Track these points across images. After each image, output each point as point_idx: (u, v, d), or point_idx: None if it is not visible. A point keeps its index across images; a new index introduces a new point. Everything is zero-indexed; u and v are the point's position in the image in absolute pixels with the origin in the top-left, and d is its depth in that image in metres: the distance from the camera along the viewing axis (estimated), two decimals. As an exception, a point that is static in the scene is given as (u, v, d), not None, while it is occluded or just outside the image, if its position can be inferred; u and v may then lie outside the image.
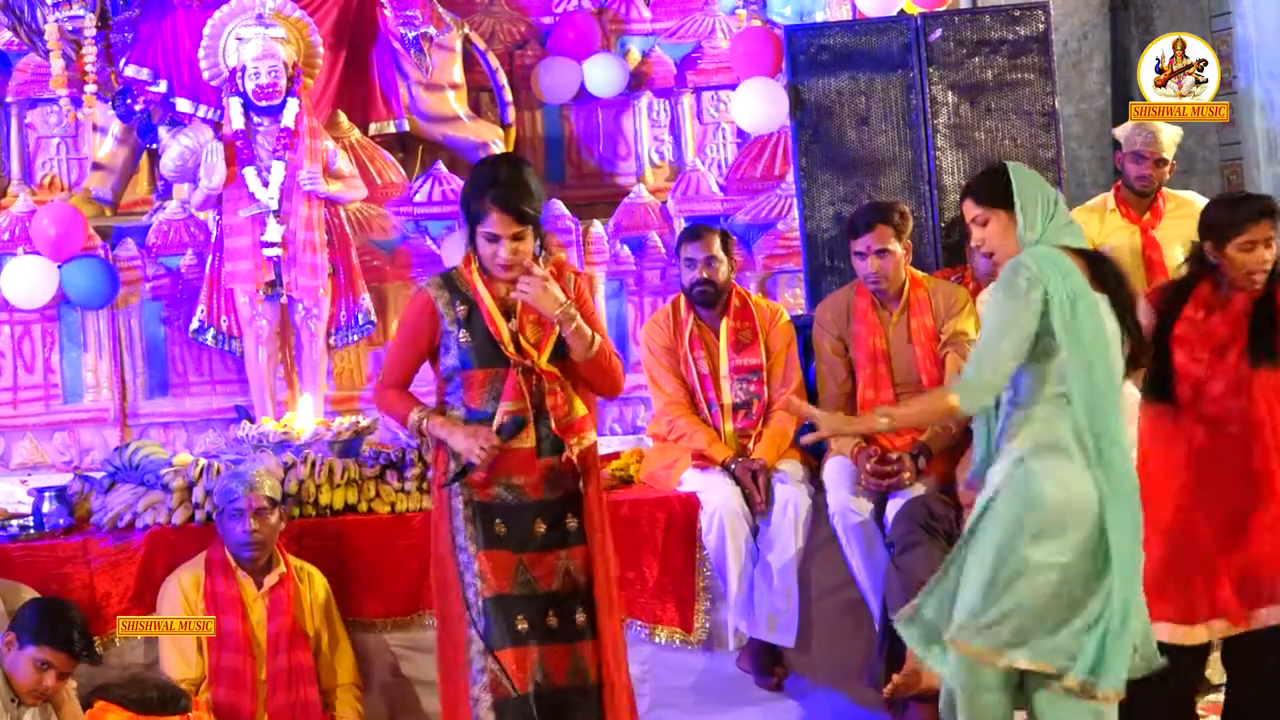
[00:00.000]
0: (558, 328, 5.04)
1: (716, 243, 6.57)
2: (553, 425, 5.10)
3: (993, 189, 5.03)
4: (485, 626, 5.05)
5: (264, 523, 5.86)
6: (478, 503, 5.13)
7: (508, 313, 5.10)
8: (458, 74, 8.90)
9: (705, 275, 6.53)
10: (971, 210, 5.07)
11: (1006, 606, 4.83)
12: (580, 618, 5.16)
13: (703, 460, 6.41)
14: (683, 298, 6.66)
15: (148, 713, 5.48)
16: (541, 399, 5.09)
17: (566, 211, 8.63)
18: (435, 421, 5.12)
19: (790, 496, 6.26)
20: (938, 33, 7.50)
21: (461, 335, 5.08)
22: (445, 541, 5.16)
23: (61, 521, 6.35)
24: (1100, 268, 4.95)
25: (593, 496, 5.22)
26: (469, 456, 5.01)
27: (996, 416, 4.97)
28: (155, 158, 8.65)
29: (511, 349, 5.07)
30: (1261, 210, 5.68)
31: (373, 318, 8.03)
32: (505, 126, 9.03)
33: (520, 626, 5.06)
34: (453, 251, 7.97)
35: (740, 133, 9.07)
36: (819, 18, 8.77)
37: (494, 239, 5.01)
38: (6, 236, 8.23)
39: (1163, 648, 5.04)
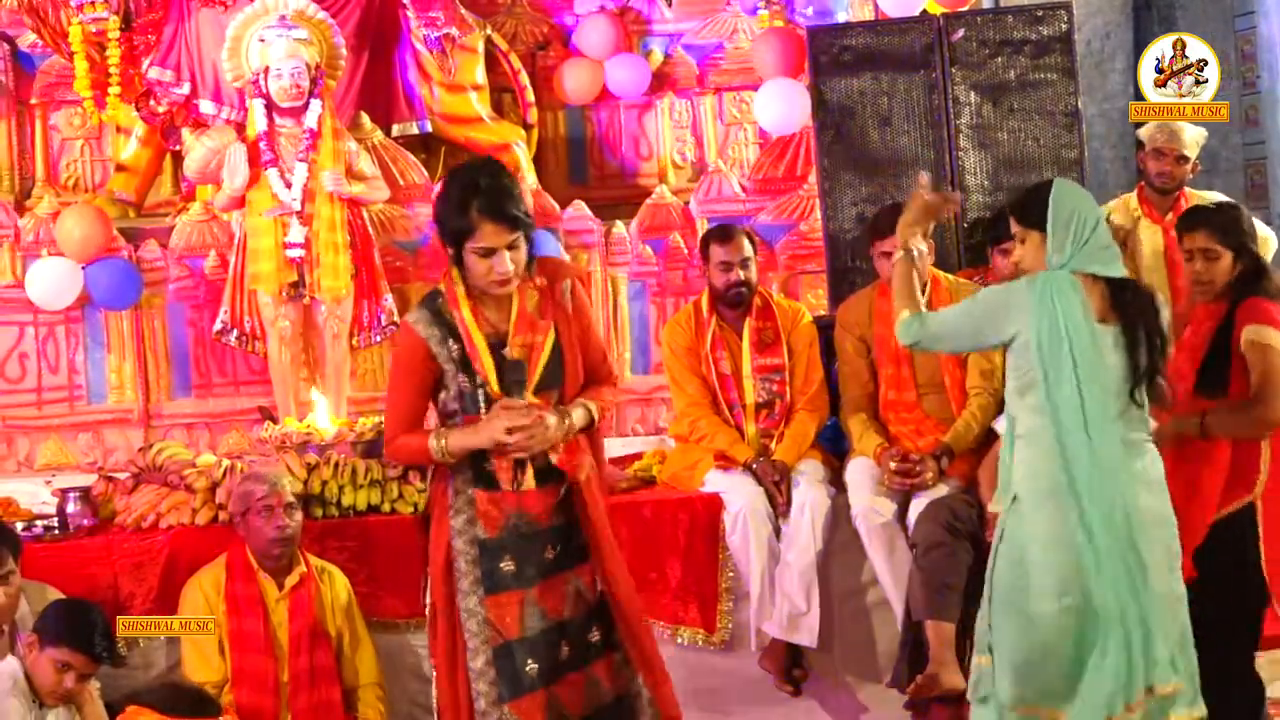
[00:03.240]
0: (543, 355, 4.72)
1: (747, 243, 6.57)
2: (553, 460, 4.73)
3: (1030, 209, 5.04)
4: (494, 679, 4.73)
5: (292, 519, 5.89)
6: (483, 541, 4.76)
7: (496, 342, 4.72)
8: (480, 75, 8.90)
9: (742, 277, 6.52)
10: (1013, 227, 5.10)
11: (1035, 658, 4.85)
12: (594, 635, 4.84)
13: (725, 461, 6.41)
14: (704, 298, 6.65)
15: (180, 716, 5.37)
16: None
17: (589, 212, 8.64)
18: (455, 435, 4.72)
19: (809, 497, 6.25)
20: (960, 33, 7.48)
21: (462, 380, 4.72)
22: (443, 590, 4.82)
23: (85, 522, 6.37)
24: (1121, 296, 4.91)
25: (593, 506, 4.83)
26: (499, 439, 4.64)
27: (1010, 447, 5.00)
28: (178, 159, 8.68)
29: (495, 386, 4.69)
30: (1193, 221, 5.62)
31: (395, 319, 8.03)
32: (527, 127, 9.04)
33: (529, 670, 4.72)
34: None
35: (762, 133, 9.07)
36: (841, 18, 8.76)
37: (489, 253, 4.61)
38: (31, 238, 8.28)
39: None
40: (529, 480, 4.74)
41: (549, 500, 4.78)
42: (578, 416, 4.77)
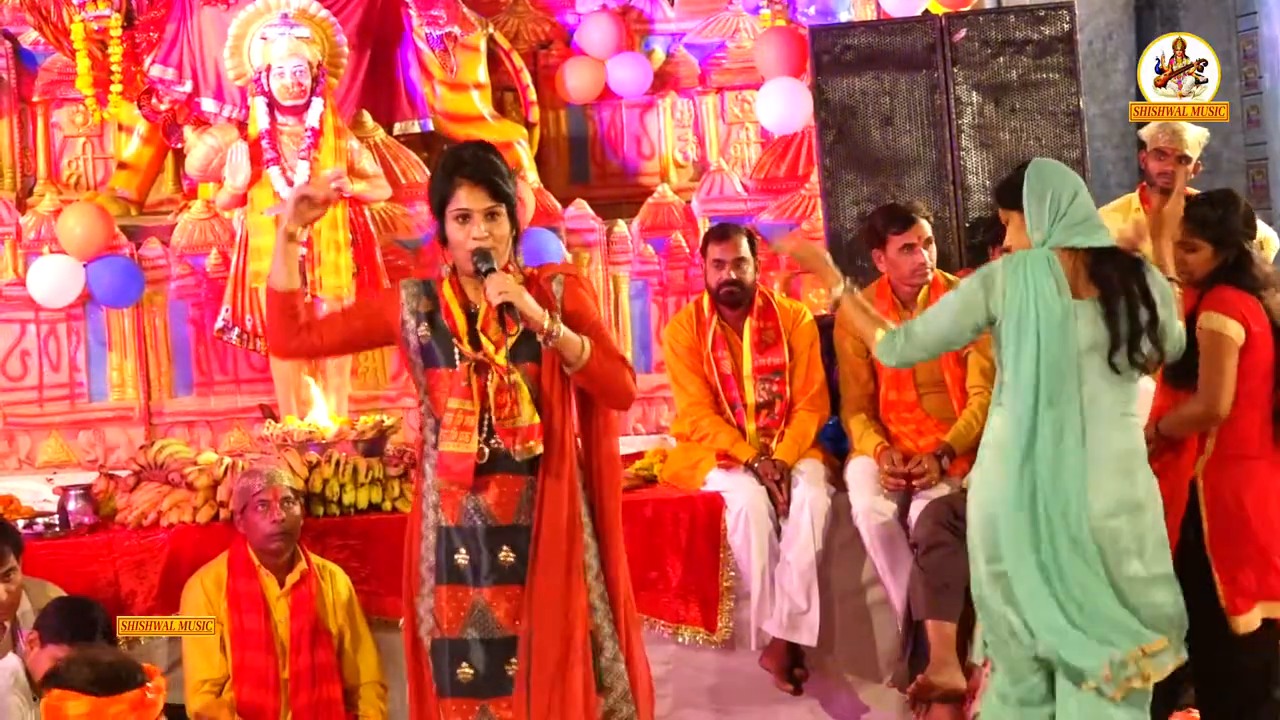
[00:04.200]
0: (518, 327, 4.53)
1: (744, 243, 6.57)
2: (494, 424, 4.57)
3: (1006, 191, 5.11)
4: (434, 670, 4.63)
5: (289, 513, 5.89)
6: (444, 528, 4.64)
7: (472, 316, 4.62)
8: (482, 74, 8.90)
9: (734, 276, 6.53)
10: (1000, 213, 5.13)
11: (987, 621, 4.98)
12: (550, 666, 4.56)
13: (727, 460, 6.41)
14: (705, 298, 6.66)
15: (108, 693, 4.68)
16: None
17: (590, 211, 8.64)
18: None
19: (809, 496, 6.26)
20: (962, 32, 7.49)
21: (422, 330, 4.64)
22: (410, 569, 4.71)
23: (87, 520, 6.38)
24: (1103, 269, 4.91)
25: (550, 518, 4.59)
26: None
27: None
28: (180, 157, 8.68)
29: (466, 344, 4.59)
30: (1184, 212, 5.56)
31: (397, 317, 8.03)
32: (529, 126, 9.03)
33: (460, 674, 4.58)
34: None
35: (764, 133, 9.06)
36: (843, 17, 8.76)
37: (465, 216, 4.55)
38: (33, 235, 8.28)
39: None
40: (470, 444, 4.56)
41: (510, 492, 4.61)
42: (563, 329, 4.56)
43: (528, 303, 4.49)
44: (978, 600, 5.03)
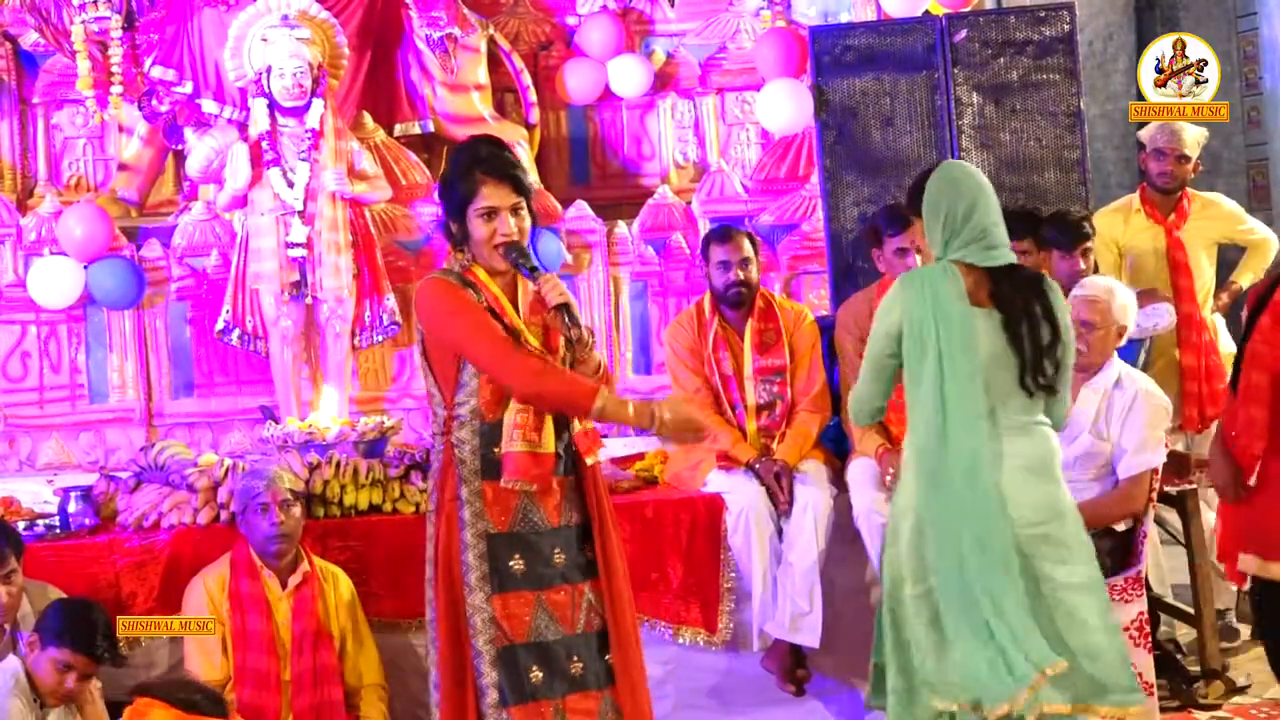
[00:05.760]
0: (578, 329, 4.57)
1: (747, 244, 6.58)
2: (572, 430, 4.63)
3: (913, 197, 5.13)
4: (497, 680, 4.60)
5: (289, 515, 5.89)
6: (492, 535, 4.63)
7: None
8: (482, 75, 8.90)
9: (740, 277, 6.53)
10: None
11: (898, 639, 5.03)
12: (612, 659, 4.70)
13: (728, 461, 6.41)
14: (706, 299, 6.66)
15: (193, 712, 5.16)
16: None
17: (591, 212, 8.64)
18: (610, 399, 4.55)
19: (810, 497, 6.25)
20: (963, 33, 7.48)
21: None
22: (446, 586, 4.67)
23: (87, 521, 6.38)
24: (1002, 286, 4.90)
25: (608, 519, 4.74)
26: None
27: None
28: (181, 159, 8.69)
29: (536, 342, 4.61)
30: None
31: (398, 318, 8.04)
32: (530, 127, 9.03)
33: (533, 677, 4.61)
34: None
35: (765, 134, 9.07)
36: (844, 18, 8.76)
37: (491, 213, 4.57)
38: (33, 237, 8.28)
39: None
40: (547, 440, 4.58)
41: (559, 495, 4.68)
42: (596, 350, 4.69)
43: (575, 305, 4.57)
44: (890, 631, 5.01)
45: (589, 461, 4.66)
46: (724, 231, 6.74)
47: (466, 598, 4.63)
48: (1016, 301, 4.89)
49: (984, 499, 4.80)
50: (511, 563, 4.63)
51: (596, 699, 4.67)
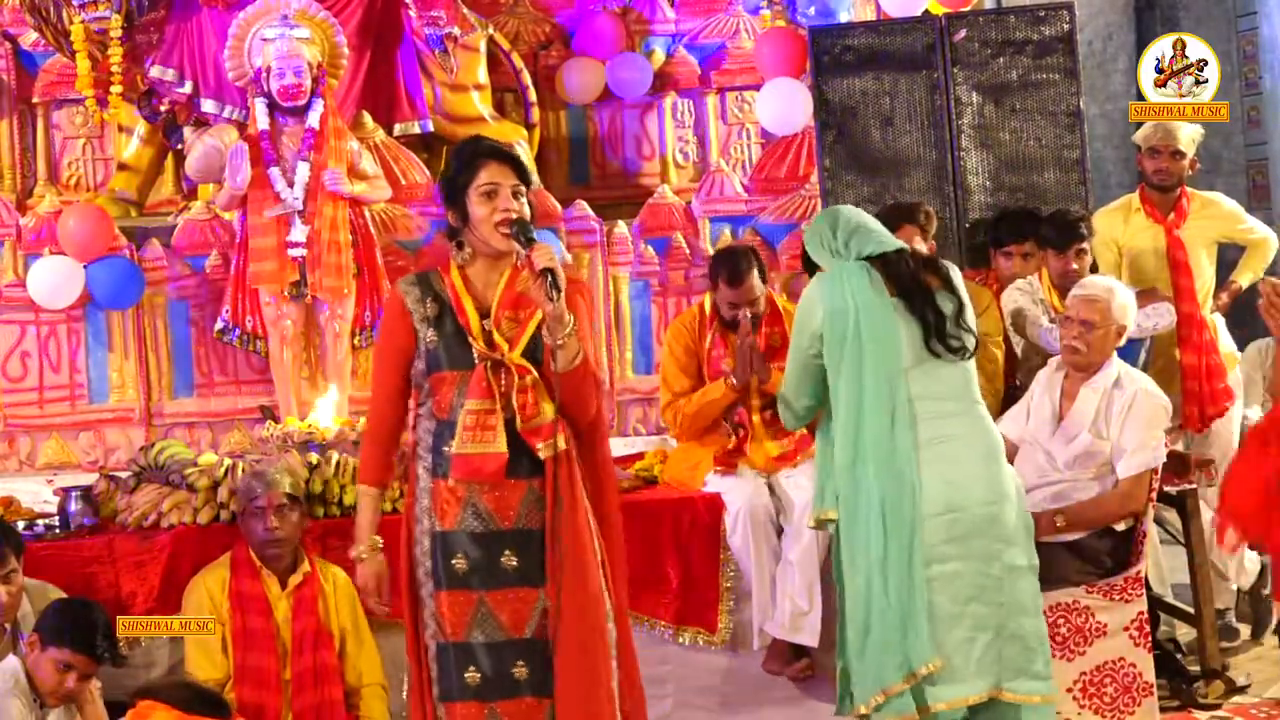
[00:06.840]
0: (532, 324, 4.58)
1: (754, 278, 6.41)
2: (518, 425, 4.56)
3: (804, 260, 5.42)
4: (437, 675, 4.64)
5: (285, 520, 5.88)
6: (439, 533, 4.63)
7: (484, 311, 4.63)
8: (482, 74, 8.90)
9: (748, 314, 6.39)
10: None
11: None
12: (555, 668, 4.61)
13: (724, 465, 6.40)
14: (707, 299, 6.62)
15: (195, 713, 5.14)
16: (510, 397, 4.56)
17: (590, 212, 8.63)
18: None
19: (810, 497, 6.24)
20: (962, 33, 7.49)
21: (429, 335, 4.62)
22: (404, 576, 4.72)
23: (87, 521, 6.38)
24: (894, 269, 5.07)
25: (564, 524, 4.59)
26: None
27: None
28: (180, 158, 8.67)
29: (481, 343, 4.57)
30: None
31: (397, 318, 8.02)
32: (529, 127, 9.03)
33: (468, 678, 4.59)
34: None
35: (764, 133, 9.06)
36: (843, 18, 8.75)
37: (492, 192, 4.58)
38: (33, 237, 8.27)
39: None
40: (498, 443, 4.56)
41: (513, 498, 4.62)
42: (573, 323, 4.54)
43: (562, 277, 4.50)
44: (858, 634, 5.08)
45: (542, 454, 4.59)
46: (734, 271, 6.40)
47: (418, 592, 4.69)
48: (908, 277, 5.07)
49: (899, 485, 4.92)
50: (454, 561, 4.62)
51: (539, 706, 4.61)
